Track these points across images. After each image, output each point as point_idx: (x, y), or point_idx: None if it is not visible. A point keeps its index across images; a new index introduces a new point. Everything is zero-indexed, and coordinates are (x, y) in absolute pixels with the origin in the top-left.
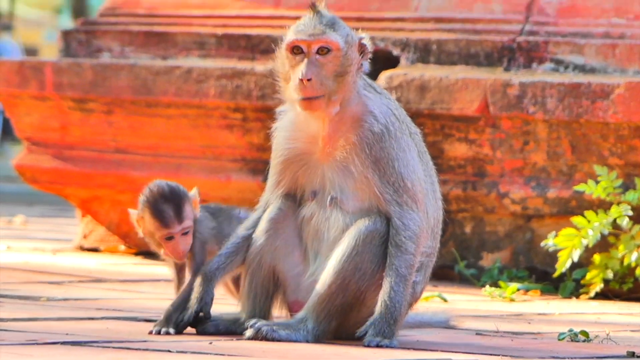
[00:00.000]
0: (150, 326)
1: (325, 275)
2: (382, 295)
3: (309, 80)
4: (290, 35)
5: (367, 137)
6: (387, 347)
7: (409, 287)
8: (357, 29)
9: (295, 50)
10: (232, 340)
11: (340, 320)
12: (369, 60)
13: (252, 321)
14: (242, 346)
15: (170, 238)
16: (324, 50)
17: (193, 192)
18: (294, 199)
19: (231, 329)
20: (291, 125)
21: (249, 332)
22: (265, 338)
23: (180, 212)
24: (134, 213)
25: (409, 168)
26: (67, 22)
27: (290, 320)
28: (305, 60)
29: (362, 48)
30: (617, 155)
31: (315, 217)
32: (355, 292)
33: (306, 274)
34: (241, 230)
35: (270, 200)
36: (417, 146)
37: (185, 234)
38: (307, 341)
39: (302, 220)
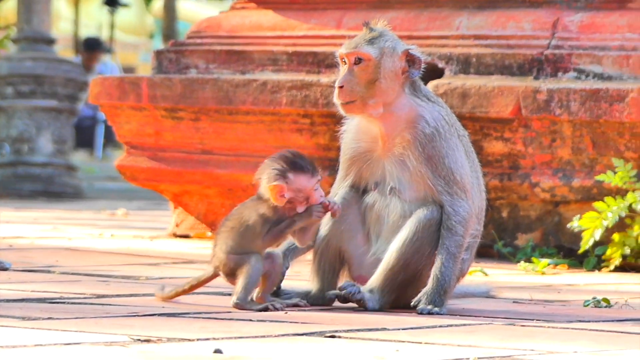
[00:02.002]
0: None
1: (389, 257)
2: (435, 270)
3: (341, 87)
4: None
5: (420, 136)
6: (437, 314)
7: (458, 263)
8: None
9: (342, 61)
10: (304, 310)
11: (399, 293)
12: (420, 70)
13: (345, 284)
14: (313, 315)
15: (316, 189)
16: (358, 61)
17: None
18: (357, 190)
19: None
20: (356, 128)
21: (343, 292)
22: (351, 299)
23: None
24: (270, 187)
25: (457, 164)
26: (159, 44)
27: None
28: (345, 69)
29: (410, 57)
30: (631, 149)
31: (377, 204)
32: (414, 270)
33: (369, 253)
34: None
35: (338, 192)
36: (464, 146)
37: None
38: (374, 308)
39: (366, 207)
